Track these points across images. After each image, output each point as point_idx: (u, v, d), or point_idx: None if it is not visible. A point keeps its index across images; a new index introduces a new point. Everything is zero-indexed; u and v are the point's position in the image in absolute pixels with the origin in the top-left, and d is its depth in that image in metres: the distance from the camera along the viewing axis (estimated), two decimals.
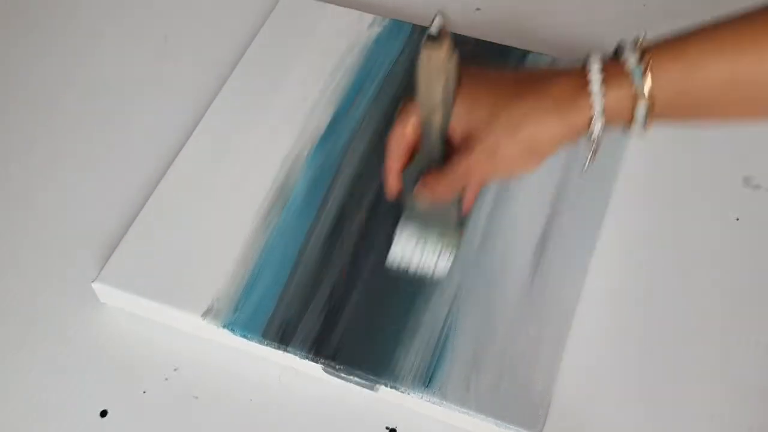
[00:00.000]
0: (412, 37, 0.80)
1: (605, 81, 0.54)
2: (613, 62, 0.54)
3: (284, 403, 0.64)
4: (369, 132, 0.74)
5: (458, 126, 0.58)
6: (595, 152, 0.56)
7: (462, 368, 0.62)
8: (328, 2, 0.84)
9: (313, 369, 0.64)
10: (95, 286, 0.67)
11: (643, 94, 0.53)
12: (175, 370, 0.65)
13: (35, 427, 0.63)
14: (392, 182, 0.62)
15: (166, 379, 0.65)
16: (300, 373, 0.64)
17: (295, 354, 0.63)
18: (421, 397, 0.61)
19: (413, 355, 0.63)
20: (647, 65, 0.53)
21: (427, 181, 0.60)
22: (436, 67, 0.54)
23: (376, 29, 0.81)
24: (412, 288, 0.65)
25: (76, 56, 0.84)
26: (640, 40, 0.54)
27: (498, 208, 0.69)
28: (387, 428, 0.62)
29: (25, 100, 0.82)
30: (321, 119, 0.75)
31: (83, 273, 0.69)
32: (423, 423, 0.62)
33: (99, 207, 0.73)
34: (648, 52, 0.53)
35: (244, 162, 0.73)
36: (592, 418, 0.62)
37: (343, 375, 0.63)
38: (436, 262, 0.65)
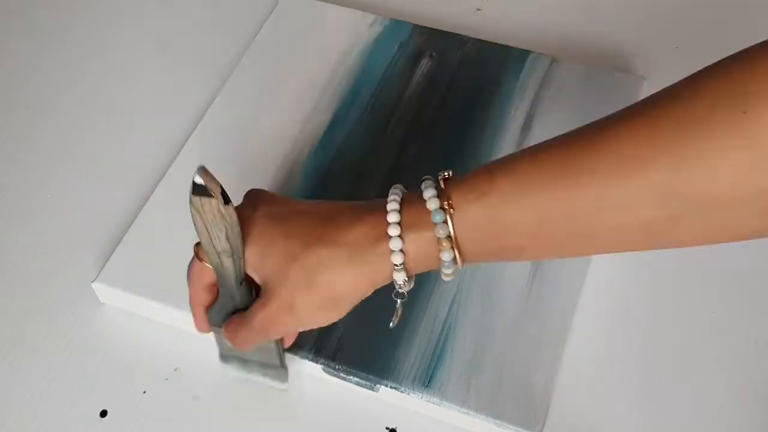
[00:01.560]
0: (412, 37, 0.80)
1: (404, 227, 0.50)
2: (415, 203, 0.50)
3: (284, 403, 0.64)
4: (369, 132, 0.74)
5: (253, 273, 0.54)
6: (400, 307, 0.53)
7: (462, 368, 0.62)
8: (329, 2, 0.84)
9: (313, 369, 0.64)
10: (95, 286, 0.67)
11: (447, 241, 0.49)
12: (175, 370, 0.65)
13: (35, 426, 0.63)
14: (199, 318, 0.58)
15: (166, 379, 0.65)
16: (300, 373, 0.64)
17: (296, 354, 0.63)
18: (421, 397, 0.61)
19: (413, 355, 0.63)
20: (449, 209, 0.49)
21: (229, 329, 0.57)
22: (211, 217, 0.52)
23: (377, 29, 0.81)
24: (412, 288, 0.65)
25: (76, 56, 0.84)
26: (442, 176, 0.50)
27: None
28: (387, 428, 0.62)
29: (26, 100, 0.82)
30: (321, 119, 0.75)
31: (83, 273, 0.69)
32: (423, 423, 0.62)
33: (99, 207, 0.73)
34: (450, 192, 0.49)
35: (245, 162, 0.73)
36: (592, 418, 0.62)
37: (343, 375, 0.63)
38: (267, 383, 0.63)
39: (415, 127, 0.74)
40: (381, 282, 0.52)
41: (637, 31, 0.82)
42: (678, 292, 0.67)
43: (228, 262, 0.54)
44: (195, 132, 0.75)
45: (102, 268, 0.68)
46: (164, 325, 0.67)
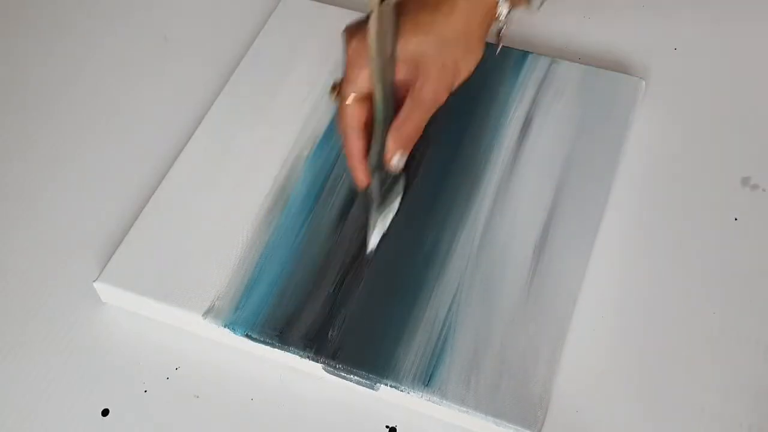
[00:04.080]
0: None
1: None
2: None
3: (284, 402, 0.64)
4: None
5: (403, 60, 0.60)
6: (501, 35, 0.61)
7: (462, 367, 0.62)
8: (329, 3, 0.84)
9: (313, 368, 0.64)
10: (97, 285, 0.67)
11: None
12: (176, 369, 0.65)
13: (36, 426, 0.63)
14: (360, 169, 0.63)
15: (168, 378, 0.65)
16: (300, 373, 0.65)
17: (296, 353, 0.63)
18: (421, 396, 0.61)
19: (413, 354, 0.63)
20: None
21: (398, 133, 0.61)
22: (389, 21, 0.57)
23: None
24: (412, 287, 0.66)
25: (76, 56, 0.85)
26: None
27: (497, 208, 0.70)
28: (387, 427, 0.63)
29: (26, 99, 0.82)
30: (321, 120, 0.76)
31: (85, 272, 0.69)
32: (423, 422, 0.63)
33: (100, 206, 0.73)
34: None
35: (245, 162, 0.73)
36: (591, 417, 0.62)
37: (343, 374, 0.63)
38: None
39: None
40: (492, 19, 0.63)
41: (636, 32, 0.83)
42: (678, 291, 0.67)
43: (390, 70, 0.59)
44: (196, 132, 0.75)
45: (104, 268, 0.68)
46: (166, 324, 0.67)
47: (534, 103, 0.76)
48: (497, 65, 0.78)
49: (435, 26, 0.60)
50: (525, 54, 0.79)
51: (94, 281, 0.67)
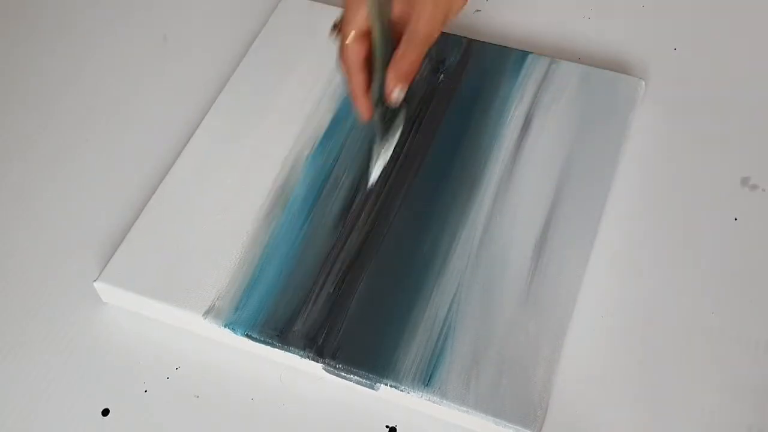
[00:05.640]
0: None
1: None
2: None
3: (284, 402, 0.64)
4: (369, 132, 0.74)
5: None
6: None
7: (462, 367, 0.62)
8: (329, 4, 0.84)
9: (313, 368, 0.64)
10: (97, 285, 0.67)
11: None
12: (176, 369, 0.65)
13: (36, 425, 0.63)
14: (363, 102, 0.65)
15: (168, 378, 0.65)
16: (300, 373, 0.65)
17: (296, 354, 0.63)
18: (421, 396, 0.61)
19: (413, 354, 0.63)
20: None
21: (397, 68, 0.63)
22: None
23: None
24: (412, 287, 0.66)
25: (76, 56, 0.85)
26: None
27: (497, 208, 0.70)
28: (387, 427, 0.63)
29: (26, 99, 0.82)
30: (322, 120, 0.76)
31: (85, 272, 0.69)
32: (423, 422, 0.63)
33: (101, 206, 0.73)
34: None
35: (246, 162, 0.73)
36: (591, 417, 0.62)
37: (343, 374, 0.63)
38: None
39: (415, 128, 0.75)
40: None
41: (636, 32, 0.83)
42: (678, 291, 0.67)
43: (386, 6, 0.61)
44: (196, 132, 0.76)
45: (104, 268, 0.68)
46: (166, 324, 0.67)
47: (534, 103, 0.76)
48: (497, 65, 0.78)
49: None
50: (525, 54, 0.79)
51: (94, 281, 0.67)
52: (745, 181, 0.73)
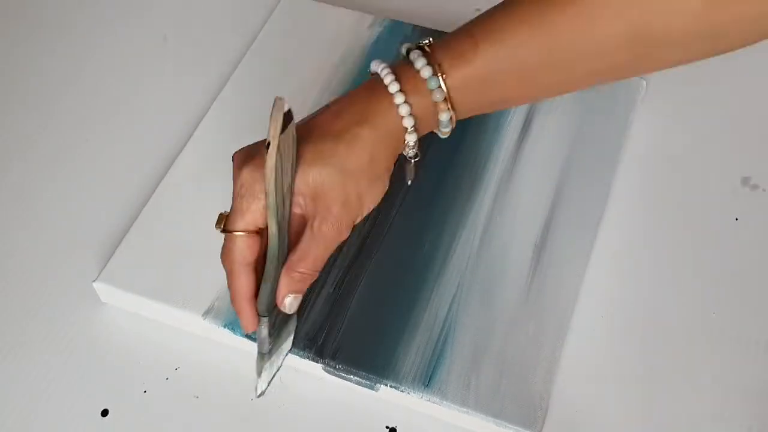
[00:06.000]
0: (412, 38, 0.80)
1: (405, 92, 0.54)
2: (407, 71, 0.55)
3: (284, 402, 0.64)
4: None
5: (302, 192, 0.54)
6: (413, 167, 0.58)
7: (462, 368, 0.62)
8: (329, 3, 0.84)
9: (313, 369, 0.64)
10: (96, 285, 0.67)
11: (444, 102, 0.55)
12: (175, 369, 0.65)
13: (36, 426, 0.63)
14: (247, 311, 0.56)
15: (167, 378, 0.65)
16: (300, 373, 0.65)
17: (296, 353, 0.63)
18: (421, 397, 0.61)
19: (413, 354, 0.63)
20: (442, 74, 0.54)
21: (292, 273, 0.55)
22: (288, 152, 0.52)
23: (376, 30, 0.81)
24: (412, 287, 0.66)
25: (76, 56, 0.85)
26: (425, 44, 0.55)
27: (497, 208, 0.70)
28: (387, 428, 0.63)
29: (26, 99, 0.82)
30: None
31: (84, 273, 0.69)
32: (423, 422, 0.63)
33: (100, 207, 0.73)
34: (438, 58, 0.54)
35: None
36: (591, 417, 0.62)
37: (343, 375, 0.63)
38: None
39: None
40: (399, 149, 0.57)
41: None
42: (678, 291, 0.67)
43: (287, 203, 0.54)
44: (196, 132, 0.76)
45: (103, 268, 0.68)
46: (165, 324, 0.67)
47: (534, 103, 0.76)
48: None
49: (336, 157, 0.54)
50: None
51: (93, 281, 0.67)
52: (745, 181, 0.72)
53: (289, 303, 0.56)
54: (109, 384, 0.65)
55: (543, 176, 0.71)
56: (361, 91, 0.57)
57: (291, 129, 0.52)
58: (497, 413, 0.60)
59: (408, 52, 0.55)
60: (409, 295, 0.65)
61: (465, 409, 0.61)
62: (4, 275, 0.71)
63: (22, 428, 0.63)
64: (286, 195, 0.53)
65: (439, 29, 0.81)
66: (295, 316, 0.60)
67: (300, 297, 0.56)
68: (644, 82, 0.76)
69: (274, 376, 0.59)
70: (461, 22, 0.84)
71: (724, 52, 0.53)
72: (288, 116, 0.52)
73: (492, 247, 0.68)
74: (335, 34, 0.81)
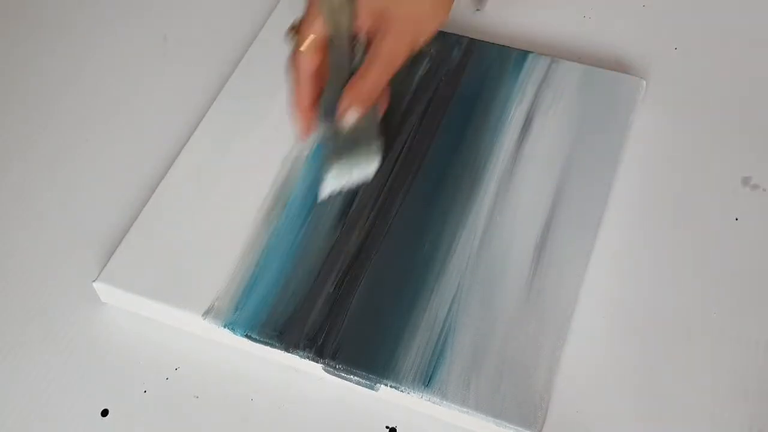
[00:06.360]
0: None
1: None
2: None
3: (284, 402, 0.64)
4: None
5: (365, 13, 0.56)
6: None
7: (462, 367, 0.62)
8: None
9: (314, 368, 0.64)
10: (96, 285, 0.67)
11: None
12: (176, 369, 0.65)
13: (36, 426, 0.63)
14: (306, 116, 0.60)
15: (167, 378, 0.65)
16: (300, 373, 0.65)
17: (296, 354, 0.63)
18: (422, 397, 0.61)
19: (413, 354, 0.63)
20: None
21: (352, 88, 0.58)
22: None
23: None
24: (412, 288, 0.66)
25: (76, 56, 0.85)
26: None
27: (497, 208, 0.70)
28: (387, 428, 0.63)
29: (26, 99, 0.82)
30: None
31: (84, 273, 0.69)
32: (423, 422, 0.62)
33: (100, 207, 0.73)
34: None
35: (245, 162, 0.73)
36: (592, 418, 0.62)
37: (343, 375, 0.63)
38: (364, 172, 0.65)
39: (415, 128, 0.74)
40: None
41: (636, 32, 0.83)
42: (678, 292, 0.67)
43: (346, 14, 0.55)
44: (196, 131, 0.75)
45: (103, 268, 0.68)
46: (165, 324, 0.67)
47: (534, 103, 0.76)
48: (497, 65, 0.78)
49: None
50: (525, 54, 0.79)
51: (93, 281, 0.67)
52: (746, 181, 0.72)
53: (349, 117, 0.59)
54: (109, 384, 0.65)
55: (543, 176, 0.71)
56: None
57: None
58: (497, 413, 0.60)
59: None
60: (409, 295, 0.65)
61: (465, 409, 0.61)
62: (4, 275, 0.71)
63: (22, 428, 0.63)
64: (343, 7, 0.55)
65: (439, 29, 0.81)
66: (375, 145, 0.63)
67: (360, 112, 0.59)
68: (644, 82, 0.76)
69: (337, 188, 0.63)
70: (460, 22, 0.84)
71: None
72: None
73: (492, 247, 0.68)
74: None
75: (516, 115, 0.75)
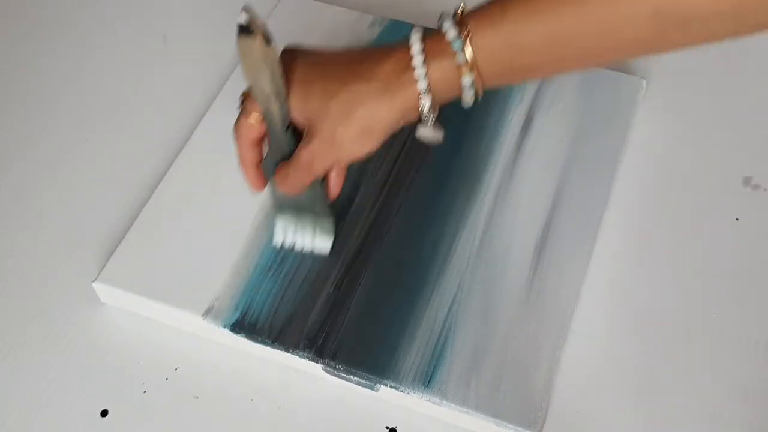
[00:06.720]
0: None
1: (427, 56, 0.54)
2: (435, 35, 0.54)
3: (284, 402, 0.64)
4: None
5: (297, 115, 0.58)
6: (427, 126, 0.56)
7: (462, 368, 0.62)
8: (328, 3, 0.84)
9: (313, 369, 0.64)
10: (96, 285, 0.67)
11: (467, 66, 0.53)
12: (175, 369, 0.65)
13: (36, 426, 0.63)
14: (251, 176, 0.62)
15: (167, 378, 0.65)
16: (300, 373, 0.65)
17: (296, 354, 0.63)
18: (421, 397, 0.61)
19: (413, 354, 0.63)
20: (467, 36, 0.53)
21: (279, 173, 0.61)
22: (255, 59, 0.55)
23: (376, 29, 0.81)
24: (413, 288, 0.66)
25: (76, 56, 0.85)
26: (460, 9, 0.54)
27: (497, 209, 0.70)
28: (387, 428, 0.63)
29: (26, 99, 0.82)
30: None
31: (84, 273, 0.69)
32: (423, 422, 0.62)
33: (100, 207, 0.73)
34: (467, 22, 0.53)
35: None
36: (591, 418, 0.62)
37: (343, 375, 0.63)
38: (314, 243, 0.67)
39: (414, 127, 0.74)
40: (410, 111, 0.56)
41: None
42: (678, 292, 0.67)
43: (275, 106, 0.57)
44: (196, 131, 0.75)
45: (103, 268, 0.68)
46: (165, 325, 0.67)
47: (534, 102, 0.76)
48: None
49: (336, 99, 0.56)
50: None
51: (93, 281, 0.67)
52: (747, 181, 0.72)
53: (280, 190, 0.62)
54: (109, 384, 0.65)
55: (543, 176, 0.71)
56: (386, 47, 0.57)
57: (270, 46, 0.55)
58: (497, 413, 0.60)
59: (439, 18, 0.55)
60: (409, 295, 0.65)
61: (465, 409, 0.61)
62: (4, 275, 0.71)
63: (22, 428, 0.63)
64: (270, 100, 0.57)
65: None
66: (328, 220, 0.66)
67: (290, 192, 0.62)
68: (644, 82, 0.76)
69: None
70: None
71: (747, 33, 0.51)
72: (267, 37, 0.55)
73: (492, 247, 0.68)
74: (335, 34, 0.81)
75: (516, 115, 0.75)
